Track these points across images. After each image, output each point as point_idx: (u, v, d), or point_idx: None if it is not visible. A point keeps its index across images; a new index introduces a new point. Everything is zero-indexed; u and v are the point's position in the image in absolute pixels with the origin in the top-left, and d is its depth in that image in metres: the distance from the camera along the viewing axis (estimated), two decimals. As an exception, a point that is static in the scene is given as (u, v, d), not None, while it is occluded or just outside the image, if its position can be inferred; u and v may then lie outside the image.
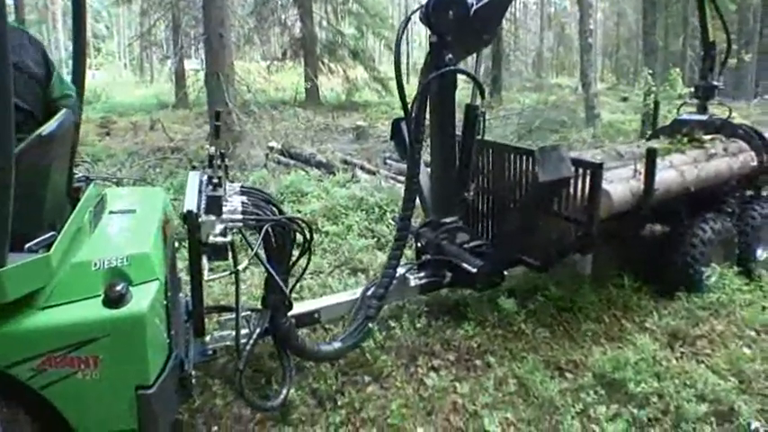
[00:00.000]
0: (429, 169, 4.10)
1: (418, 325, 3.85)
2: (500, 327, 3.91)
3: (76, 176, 2.69)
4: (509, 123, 13.74)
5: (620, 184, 3.81)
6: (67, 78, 2.59)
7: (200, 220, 2.47)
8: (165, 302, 2.22)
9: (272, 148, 9.75)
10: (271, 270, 2.85)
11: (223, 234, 2.54)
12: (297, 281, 3.38)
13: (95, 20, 43.08)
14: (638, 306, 4.25)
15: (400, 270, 3.68)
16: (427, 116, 3.55)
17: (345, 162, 9.28)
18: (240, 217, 2.66)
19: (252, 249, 2.72)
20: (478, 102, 3.75)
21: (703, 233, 4.29)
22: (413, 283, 3.78)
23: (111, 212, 2.62)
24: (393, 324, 3.81)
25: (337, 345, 3.28)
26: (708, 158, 4.53)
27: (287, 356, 3.09)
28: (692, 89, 5.80)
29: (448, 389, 3.29)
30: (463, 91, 3.80)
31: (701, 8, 5.40)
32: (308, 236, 2.95)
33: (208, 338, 3.02)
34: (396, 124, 4.06)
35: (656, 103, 6.28)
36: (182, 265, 3.42)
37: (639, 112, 12.98)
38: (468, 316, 3.99)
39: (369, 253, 5.22)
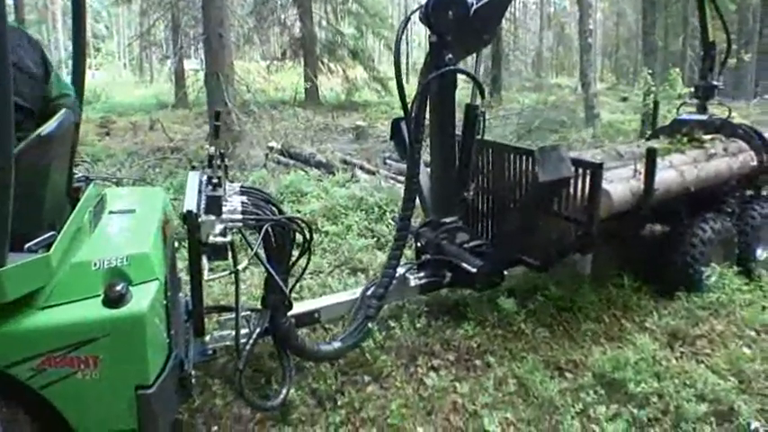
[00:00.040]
0: (429, 169, 4.10)
1: (418, 325, 3.85)
2: (500, 327, 3.91)
3: (76, 176, 2.69)
4: (509, 123, 13.74)
5: (620, 184, 3.81)
6: (66, 78, 2.60)
7: (199, 219, 2.47)
8: (164, 302, 2.22)
9: (271, 148, 9.75)
10: (270, 270, 2.85)
11: (223, 234, 2.54)
12: (297, 281, 3.38)
13: (95, 20, 43.09)
14: (638, 306, 4.25)
15: (400, 270, 3.68)
16: (427, 116, 3.55)
17: (345, 162, 9.28)
18: (240, 217, 2.66)
19: (252, 249, 2.72)
20: (478, 101, 3.75)
21: (703, 233, 4.29)
22: (413, 282, 3.78)
23: (110, 212, 2.62)
24: (393, 324, 3.81)
25: (337, 344, 3.28)
26: (708, 158, 4.54)
27: (287, 356, 3.09)
28: (692, 89, 5.80)
29: (448, 389, 3.29)
30: (463, 91, 3.80)
31: (700, 8, 5.40)
32: (307, 236, 2.95)
33: (208, 338, 3.02)
34: (395, 124, 4.06)
35: (656, 103, 6.28)
36: (182, 265, 3.42)
37: (639, 112, 12.98)
38: (467, 316, 3.99)
39: (368, 253, 5.22)
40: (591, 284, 4.35)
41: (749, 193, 5.06)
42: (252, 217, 2.71)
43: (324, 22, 20.95)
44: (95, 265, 2.09)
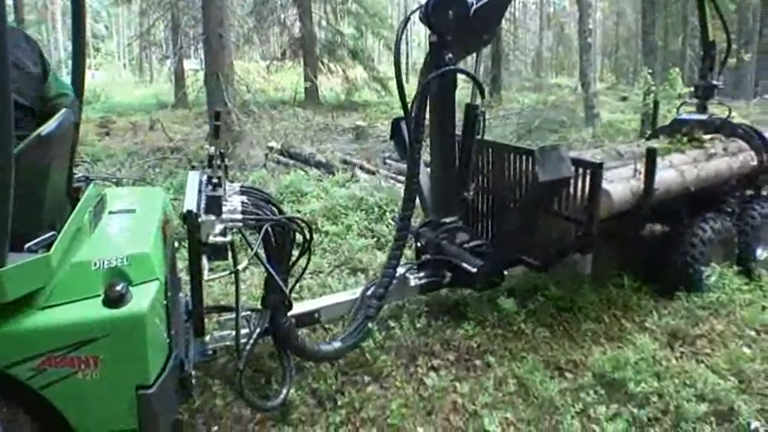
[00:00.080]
0: (429, 169, 4.10)
1: (418, 325, 3.85)
2: (500, 327, 3.91)
3: (76, 176, 2.69)
4: (508, 123, 13.75)
5: (621, 184, 3.81)
6: (63, 78, 2.60)
7: (199, 219, 2.47)
8: (165, 302, 2.22)
9: (271, 148, 9.75)
10: (270, 270, 2.85)
11: (223, 234, 2.54)
12: (297, 281, 3.38)
13: (95, 20, 43.08)
14: (638, 306, 4.25)
15: (400, 270, 3.67)
16: (427, 116, 3.55)
17: (345, 162, 9.28)
18: (240, 217, 2.66)
19: (252, 249, 2.71)
20: (478, 101, 3.75)
21: (703, 233, 4.29)
22: (413, 282, 3.78)
23: (110, 212, 2.62)
24: (393, 324, 3.81)
25: (337, 345, 3.28)
26: (708, 158, 4.53)
27: (287, 356, 3.09)
28: (692, 89, 5.80)
29: (448, 389, 3.29)
30: (463, 91, 3.80)
31: (700, 8, 5.40)
32: (307, 236, 2.95)
33: (208, 338, 3.02)
34: (395, 124, 4.06)
35: (656, 103, 6.28)
36: (182, 265, 3.42)
37: (639, 112, 12.98)
38: (467, 316, 3.99)
39: (368, 253, 5.22)
40: (591, 284, 4.35)
41: (749, 192, 5.06)
42: (252, 217, 2.71)
43: (323, 22, 20.96)
44: (95, 265, 2.09)
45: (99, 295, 2.03)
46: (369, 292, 3.49)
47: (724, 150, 4.70)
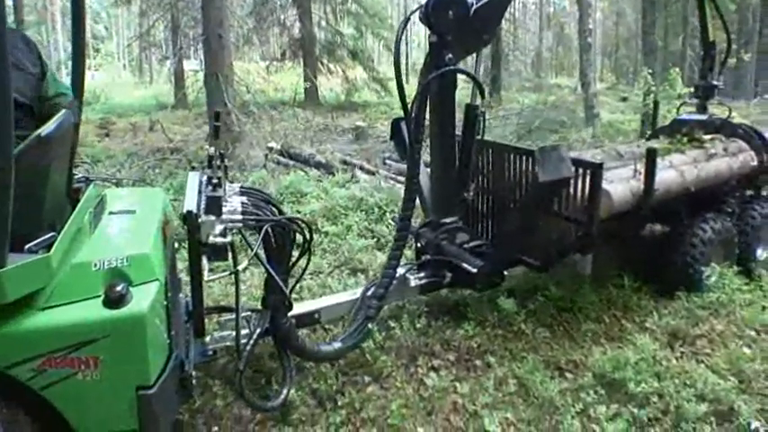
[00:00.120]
0: (429, 169, 4.10)
1: (418, 325, 3.85)
2: (500, 327, 3.91)
3: (76, 177, 2.69)
4: (508, 123, 13.74)
5: (621, 184, 3.81)
6: (63, 79, 2.61)
7: (199, 220, 2.47)
8: (165, 303, 2.22)
9: (271, 149, 9.75)
10: (271, 270, 2.85)
11: (223, 234, 2.54)
12: (297, 281, 3.38)
13: (94, 21, 43.11)
14: (638, 306, 4.24)
15: (400, 270, 3.67)
16: (427, 116, 3.55)
17: (345, 162, 9.28)
18: (240, 217, 2.66)
19: (252, 250, 2.72)
20: (478, 102, 3.75)
21: (703, 233, 4.29)
22: (413, 283, 3.78)
23: (110, 213, 2.62)
24: (393, 324, 3.81)
25: (337, 345, 3.28)
26: (708, 158, 4.54)
27: (287, 357, 3.09)
28: (692, 89, 5.80)
29: (448, 389, 3.29)
30: (463, 91, 3.80)
31: (700, 8, 5.40)
32: (307, 236, 2.95)
33: (208, 339, 3.02)
34: (395, 124, 4.06)
35: (656, 103, 6.28)
36: (182, 265, 3.42)
37: (639, 112, 12.98)
38: (468, 316, 3.99)
39: (368, 253, 5.22)
40: (591, 285, 4.35)
41: (749, 192, 5.06)
42: (252, 217, 2.71)
43: (323, 23, 20.96)
44: (96, 265, 2.09)
45: (99, 296, 2.03)
46: (369, 293, 3.49)
47: (724, 150, 4.70)
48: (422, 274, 3.83)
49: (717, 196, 4.69)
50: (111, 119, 15.95)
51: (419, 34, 32.08)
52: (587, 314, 4.11)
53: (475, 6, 3.47)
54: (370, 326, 3.38)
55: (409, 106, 3.50)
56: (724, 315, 4.05)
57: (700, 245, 4.25)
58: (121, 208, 2.67)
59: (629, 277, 4.42)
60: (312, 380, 3.33)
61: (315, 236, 3.87)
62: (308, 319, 3.43)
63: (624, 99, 21.16)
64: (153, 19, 19.29)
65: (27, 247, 1.95)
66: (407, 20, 3.72)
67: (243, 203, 2.75)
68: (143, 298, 2.07)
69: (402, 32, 3.64)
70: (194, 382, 2.68)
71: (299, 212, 6.04)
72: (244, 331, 2.87)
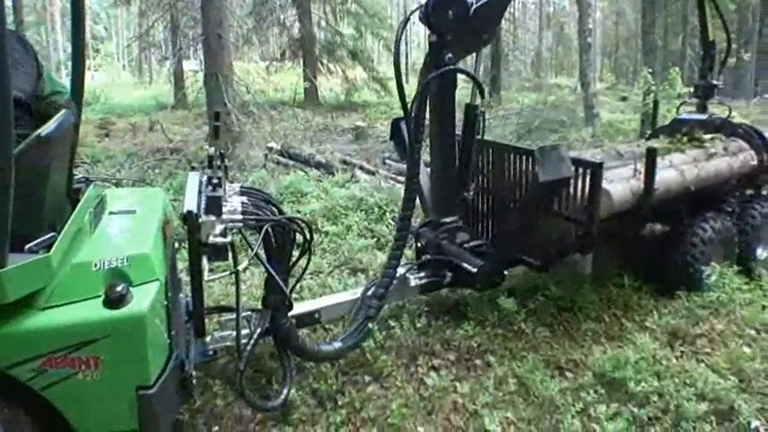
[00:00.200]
0: (429, 169, 4.10)
1: (418, 325, 3.85)
2: (500, 326, 3.91)
3: (76, 177, 2.69)
4: (508, 123, 13.74)
5: (621, 184, 3.81)
6: (60, 79, 2.61)
7: (200, 220, 2.47)
8: (165, 303, 2.22)
9: (271, 149, 9.76)
10: (271, 270, 2.85)
11: (223, 234, 2.54)
12: (297, 281, 3.38)
13: (94, 21, 43.09)
14: (639, 305, 4.25)
15: (400, 270, 3.67)
16: (427, 116, 3.55)
17: (345, 162, 9.29)
18: (240, 217, 2.66)
19: (252, 249, 2.72)
20: (478, 101, 3.75)
21: (703, 232, 4.29)
22: (413, 283, 3.78)
23: (110, 213, 2.62)
24: (393, 324, 3.81)
25: (337, 345, 3.28)
26: (708, 158, 4.53)
27: (287, 357, 3.09)
28: (692, 88, 5.79)
29: (448, 388, 3.29)
30: (463, 91, 3.80)
31: (700, 7, 5.40)
32: (307, 236, 2.95)
33: (208, 339, 3.02)
34: (395, 124, 4.06)
35: (656, 103, 6.29)
36: (182, 265, 3.42)
37: (639, 112, 12.98)
38: (468, 316, 3.99)
39: (368, 253, 5.22)
40: (591, 284, 4.35)
41: (749, 192, 5.06)
42: (252, 217, 2.71)
43: (323, 23, 20.97)
44: (96, 265, 2.09)
45: (99, 296, 2.03)
46: (369, 293, 3.49)
47: (724, 150, 4.70)
48: (422, 274, 3.83)
49: (717, 196, 4.69)
50: (110, 119, 15.95)
51: (419, 34, 32.11)
52: (587, 313, 4.11)
53: (475, 6, 3.47)
54: (370, 325, 3.38)
55: (409, 106, 3.50)
56: (724, 314, 4.05)
57: (700, 244, 4.26)
58: (121, 208, 2.67)
59: (630, 277, 4.42)
60: (312, 379, 3.33)
61: (315, 236, 3.87)
62: (309, 319, 3.43)
63: (624, 99, 21.17)
64: (152, 19, 19.28)
65: (27, 247, 1.95)
66: (407, 20, 3.72)
67: (243, 203, 2.75)
68: (143, 298, 2.07)
69: (402, 32, 3.64)
70: (195, 382, 2.68)
71: (299, 212, 6.04)
72: (244, 331, 2.87)
